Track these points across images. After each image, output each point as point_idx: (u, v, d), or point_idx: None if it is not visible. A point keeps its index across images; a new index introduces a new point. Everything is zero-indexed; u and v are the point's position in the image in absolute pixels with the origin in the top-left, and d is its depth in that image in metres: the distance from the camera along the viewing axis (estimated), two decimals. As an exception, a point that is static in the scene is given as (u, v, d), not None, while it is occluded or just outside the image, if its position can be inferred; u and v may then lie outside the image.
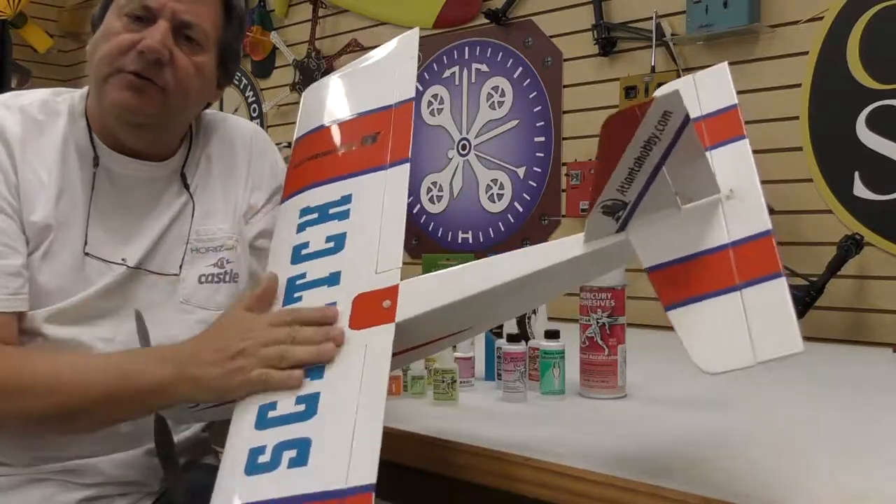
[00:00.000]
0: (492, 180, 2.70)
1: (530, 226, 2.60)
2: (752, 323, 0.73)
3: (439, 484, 1.03)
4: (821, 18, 2.01)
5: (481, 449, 0.97)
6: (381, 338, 0.86)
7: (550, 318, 1.33)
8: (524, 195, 2.61)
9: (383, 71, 1.17)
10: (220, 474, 0.80)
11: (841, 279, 1.89)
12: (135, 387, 0.93)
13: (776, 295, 0.73)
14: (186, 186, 1.18)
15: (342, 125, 1.13)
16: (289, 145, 1.23)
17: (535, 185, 2.59)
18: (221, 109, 3.43)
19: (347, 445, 0.75)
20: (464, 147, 2.77)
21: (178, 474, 1.07)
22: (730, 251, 0.78)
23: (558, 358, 1.21)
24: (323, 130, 1.14)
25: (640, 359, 1.31)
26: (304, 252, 0.99)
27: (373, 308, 0.89)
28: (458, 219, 2.79)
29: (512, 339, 1.20)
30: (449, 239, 2.81)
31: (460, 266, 0.95)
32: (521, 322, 1.30)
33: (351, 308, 0.90)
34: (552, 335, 1.22)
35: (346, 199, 1.02)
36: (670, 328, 0.77)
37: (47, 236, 1.07)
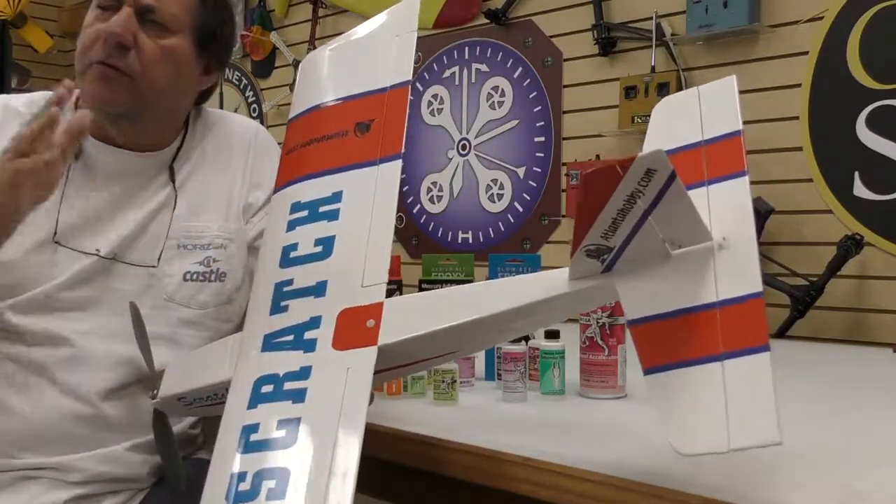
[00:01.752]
0: (492, 180, 2.69)
1: (530, 226, 2.60)
2: (731, 403, 0.70)
3: (439, 484, 1.03)
4: (821, 18, 2.01)
5: (481, 449, 0.97)
6: (363, 361, 0.84)
7: (550, 318, 1.32)
8: (524, 195, 2.61)
9: (380, 44, 1.09)
10: (203, 497, 0.80)
11: (841, 279, 1.89)
12: None
13: (759, 373, 0.70)
14: (173, 180, 1.18)
15: (334, 109, 1.08)
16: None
17: (535, 185, 2.59)
18: (221, 104, 3.44)
19: (324, 483, 0.74)
20: (464, 147, 2.77)
21: (178, 464, 1.07)
22: (717, 312, 0.73)
23: (558, 358, 1.21)
24: (315, 113, 1.09)
25: (640, 359, 1.31)
26: (292, 255, 0.97)
27: (356, 327, 0.88)
28: (458, 219, 2.79)
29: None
30: (449, 239, 2.81)
31: (444, 291, 0.93)
32: (521, 322, 1.30)
33: (335, 324, 0.89)
34: (552, 335, 1.22)
35: (337, 197, 0.99)
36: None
37: None
